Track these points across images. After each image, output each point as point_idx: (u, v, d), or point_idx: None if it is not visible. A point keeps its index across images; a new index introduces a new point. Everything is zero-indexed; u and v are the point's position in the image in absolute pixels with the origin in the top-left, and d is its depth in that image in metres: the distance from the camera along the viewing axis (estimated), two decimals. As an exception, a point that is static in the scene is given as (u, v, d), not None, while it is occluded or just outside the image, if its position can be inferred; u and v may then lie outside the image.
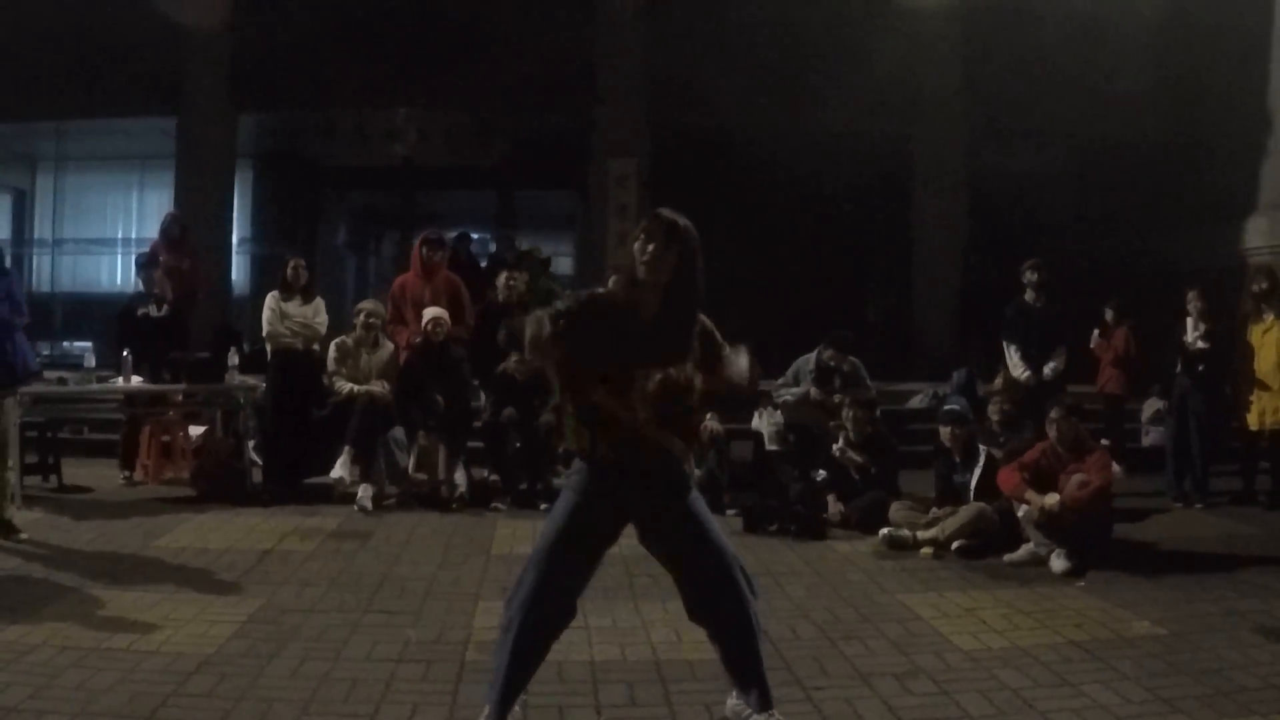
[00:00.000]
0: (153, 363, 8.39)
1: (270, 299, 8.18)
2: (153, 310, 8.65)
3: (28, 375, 6.65)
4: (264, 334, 8.24)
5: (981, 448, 6.92)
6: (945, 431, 6.95)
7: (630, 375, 3.33)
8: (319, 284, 8.63)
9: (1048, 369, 8.54)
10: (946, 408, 7.53)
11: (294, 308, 8.13)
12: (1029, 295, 8.68)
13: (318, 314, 8.23)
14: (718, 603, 3.48)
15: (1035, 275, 8.63)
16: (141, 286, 8.91)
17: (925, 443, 7.67)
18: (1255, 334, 8.11)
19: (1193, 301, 8.25)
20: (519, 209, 17.29)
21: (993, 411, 7.65)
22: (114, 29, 12.58)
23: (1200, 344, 8.14)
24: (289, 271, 8.19)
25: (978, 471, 6.74)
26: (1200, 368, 8.16)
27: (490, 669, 3.99)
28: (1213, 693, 3.99)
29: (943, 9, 12.94)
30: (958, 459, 6.89)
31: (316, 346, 8.19)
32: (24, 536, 6.25)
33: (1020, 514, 6.20)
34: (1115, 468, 8.89)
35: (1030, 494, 6.15)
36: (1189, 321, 8.26)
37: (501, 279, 9.04)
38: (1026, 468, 6.33)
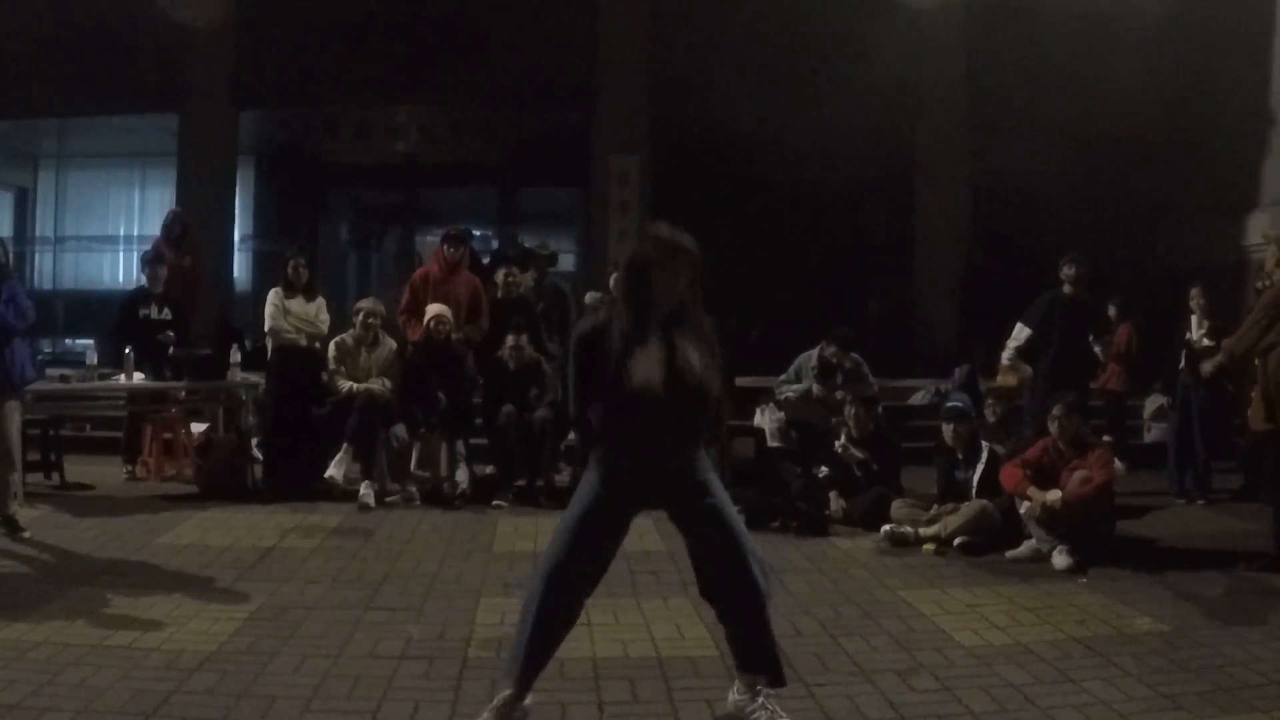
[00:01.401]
0: (154, 362, 8.39)
1: (273, 295, 8.20)
2: (153, 312, 8.65)
3: (24, 383, 6.61)
4: (266, 330, 8.24)
5: (984, 444, 6.92)
6: (947, 429, 6.94)
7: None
8: (320, 282, 8.64)
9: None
10: (949, 404, 7.52)
11: (296, 305, 8.15)
12: (1067, 289, 8.60)
13: (320, 312, 8.26)
14: (727, 583, 3.59)
15: (1073, 269, 8.51)
16: (145, 282, 8.89)
17: (927, 439, 7.66)
18: None
19: (1196, 299, 8.23)
20: (521, 206, 17.27)
21: (989, 413, 7.65)
22: (115, 26, 12.58)
23: (1205, 341, 8.12)
24: (289, 270, 8.19)
25: (980, 468, 6.74)
26: (1207, 367, 8.14)
27: (492, 666, 4.00)
28: (1214, 689, 3.98)
29: (945, 7, 12.92)
30: (960, 456, 6.88)
31: (318, 344, 8.20)
32: (27, 534, 6.25)
33: (1022, 510, 6.20)
34: (1117, 464, 8.91)
35: (1032, 490, 6.15)
36: (1193, 319, 8.25)
37: (500, 275, 9.06)
38: (1028, 464, 6.33)
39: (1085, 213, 13.52)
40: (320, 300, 8.34)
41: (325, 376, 8.05)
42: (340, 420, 7.76)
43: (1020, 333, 8.52)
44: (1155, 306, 9.28)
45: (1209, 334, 8.12)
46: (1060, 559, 5.92)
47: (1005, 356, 8.45)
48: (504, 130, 14.85)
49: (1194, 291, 8.26)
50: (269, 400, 8.26)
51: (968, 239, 13.27)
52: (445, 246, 8.66)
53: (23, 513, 6.51)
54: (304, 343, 8.13)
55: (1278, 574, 5.80)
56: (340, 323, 8.60)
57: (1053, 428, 6.41)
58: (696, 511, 3.61)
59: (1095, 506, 6.15)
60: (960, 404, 7.38)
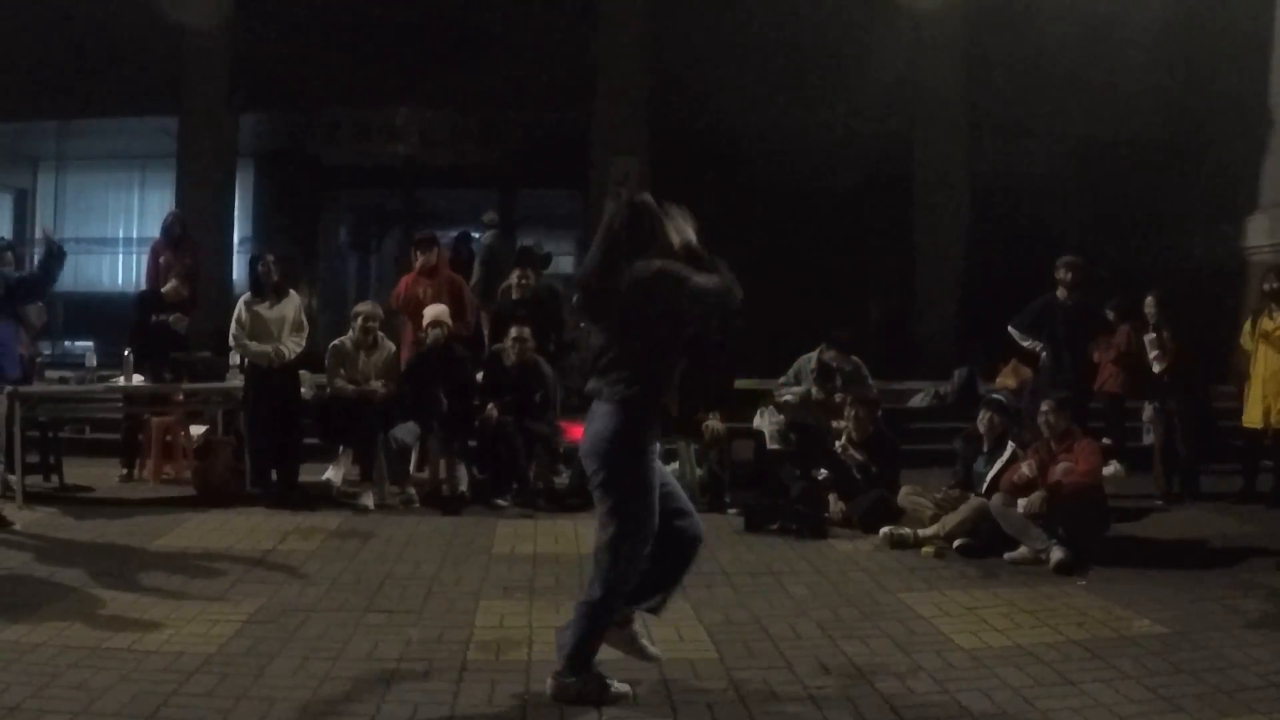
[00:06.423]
0: (156, 365, 8.37)
1: (240, 306, 7.88)
2: (170, 320, 8.64)
3: (9, 375, 6.45)
4: (230, 346, 7.97)
5: (1010, 444, 6.82)
6: (984, 416, 6.86)
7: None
8: (319, 285, 8.58)
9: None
10: (992, 395, 7.38)
11: (265, 309, 7.83)
12: (1060, 293, 8.55)
13: (293, 314, 7.91)
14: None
15: (1070, 274, 8.44)
16: (147, 283, 8.87)
17: (927, 442, 7.68)
18: (1264, 331, 8.04)
19: (1150, 308, 8.22)
20: (520, 208, 17.27)
21: (981, 422, 7.32)
22: (115, 29, 12.58)
23: (1155, 367, 8.11)
24: (260, 269, 7.90)
25: (999, 464, 6.67)
26: (1165, 379, 8.16)
27: (491, 669, 4.01)
28: (1214, 691, 3.99)
29: (944, 8, 12.93)
30: (986, 448, 6.84)
31: (295, 353, 7.88)
32: (17, 527, 6.20)
33: (1021, 509, 6.19)
34: (1116, 466, 8.90)
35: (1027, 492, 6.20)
36: (1147, 338, 8.22)
37: (514, 278, 9.03)
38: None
39: (1085, 214, 13.52)
40: (292, 299, 7.98)
41: (326, 379, 8.01)
42: (336, 423, 7.73)
43: (1016, 336, 8.56)
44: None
45: (1160, 356, 8.10)
46: (1057, 552, 5.92)
47: (1035, 346, 8.55)
48: (503, 132, 14.84)
49: (1148, 300, 8.23)
50: (246, 407, 8.00)
51: (967, 241, 13.27)
52: (416, 251, 8.74)
53: (22, 515, 6.49)
54: (265, 365, 7.72)
55: None
56: (339, 325, 8.56)
57: (1041, 422, 6.43)
58: None
59: (1087, 495, 6.16)
60: (1002, 398, 7.28)
